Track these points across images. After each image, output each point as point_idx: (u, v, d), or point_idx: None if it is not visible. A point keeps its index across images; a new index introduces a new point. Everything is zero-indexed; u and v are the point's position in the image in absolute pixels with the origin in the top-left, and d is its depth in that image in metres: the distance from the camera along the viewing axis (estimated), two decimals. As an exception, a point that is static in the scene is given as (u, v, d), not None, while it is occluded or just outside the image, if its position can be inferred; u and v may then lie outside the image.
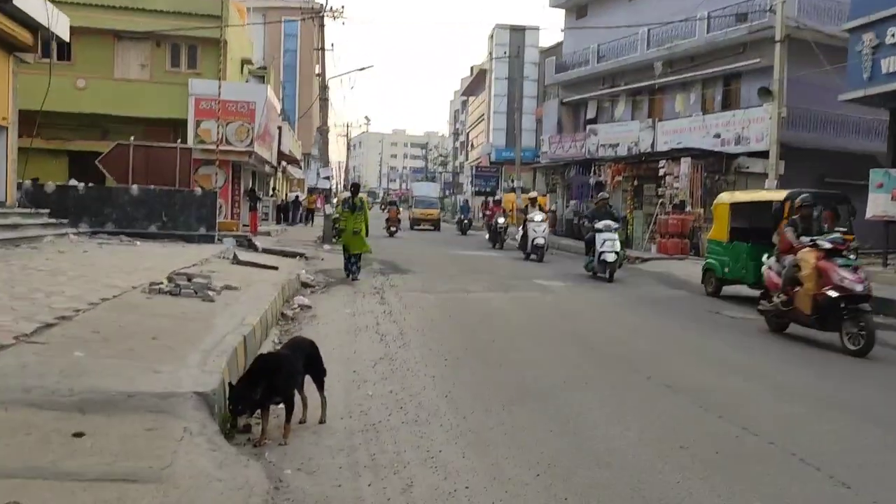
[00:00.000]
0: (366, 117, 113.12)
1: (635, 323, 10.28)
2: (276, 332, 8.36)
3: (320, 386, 5.15)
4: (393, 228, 29.83)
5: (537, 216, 20.42)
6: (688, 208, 22.49)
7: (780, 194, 11.30)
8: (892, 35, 13.03)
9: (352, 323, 9.29)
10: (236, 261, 13.38)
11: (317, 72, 23.66)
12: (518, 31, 58.30)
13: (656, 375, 6.90)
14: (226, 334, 6.11)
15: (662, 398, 6.15)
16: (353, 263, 14.08)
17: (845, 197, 11.88)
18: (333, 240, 24.06)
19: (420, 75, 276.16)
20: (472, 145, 76.01)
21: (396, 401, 5.68)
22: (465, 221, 36.56)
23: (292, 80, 53.84)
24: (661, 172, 23.85)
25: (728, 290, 12.97)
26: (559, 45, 45.71)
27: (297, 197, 38.33)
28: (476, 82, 71.11)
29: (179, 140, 20.71)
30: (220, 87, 20.62)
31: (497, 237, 25.66)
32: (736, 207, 12.14)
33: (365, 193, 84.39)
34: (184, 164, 18.06)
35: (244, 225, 26.10)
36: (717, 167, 23.07)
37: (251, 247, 17.58)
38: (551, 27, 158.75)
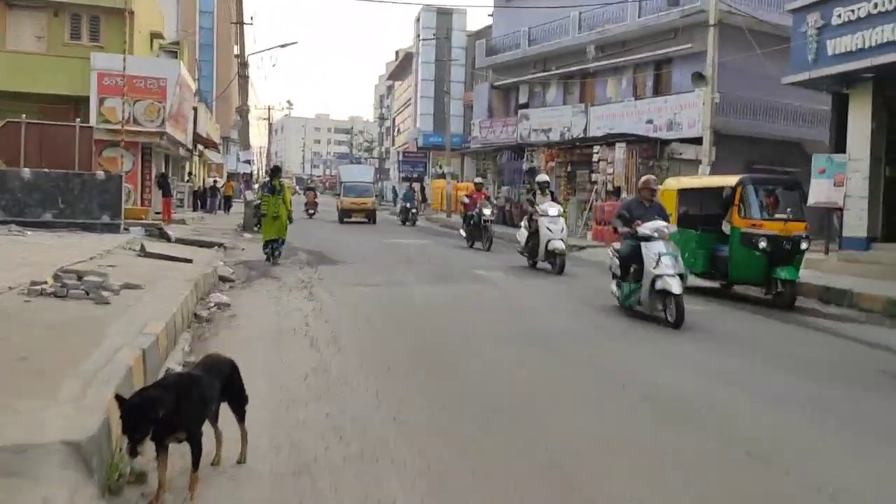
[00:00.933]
0: (288, 101, 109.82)
1: (592, 317, 9.51)
2: (187, 337, 7.15)
3: (241, 417, 4.06)
4: (311, 211, 33.95)
5: (551, 209, 14.70)
6: (623, 195, 22.06)
7: (731, 180, 10.76)
8: (839, 16, 12.67)
9: (277, 324, 8.14)
10: (143, 253, 11.94)
11: (236, 52, 21.97)
12: (445, 14, 57.33)
13: (630, 383, 6.08)
14: (119, 348, 4.92)
15: (645, 414, 5.32)
16: (274, 248, 14.23)
17: (797, 182, 11.47)
18: (255, 228, 22.60)
19: (344, 58, 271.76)
20: (398, 130, 74.75)
21: (335, 428, 4.64)
22: (413, 210, 31.80)
23: (209, 60, 51.06)
24: (596, 158, 23.38)
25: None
26: (487, 28, 45.00)
27: (214, 182, 36.31)
28: (402, 66, 69.79)
29: (79, 119, 18.80)
30: (124, 62, 18.84)
31: (482, 235, 20.03)
32: (683, 194, 11.54)
33: (290, 179, 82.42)
34: (84, 145, 16.31)
35: (156, 213, 24.25)
36: (652, 153, 22.75)
37: (163, 237, 16.03)
38: (479, 10, 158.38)
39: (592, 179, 23.71)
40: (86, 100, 20.42)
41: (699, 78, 21.15)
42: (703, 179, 12.52)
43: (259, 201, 16.14)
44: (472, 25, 57.42)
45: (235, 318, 8.44)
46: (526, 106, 32.10)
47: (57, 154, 15.81)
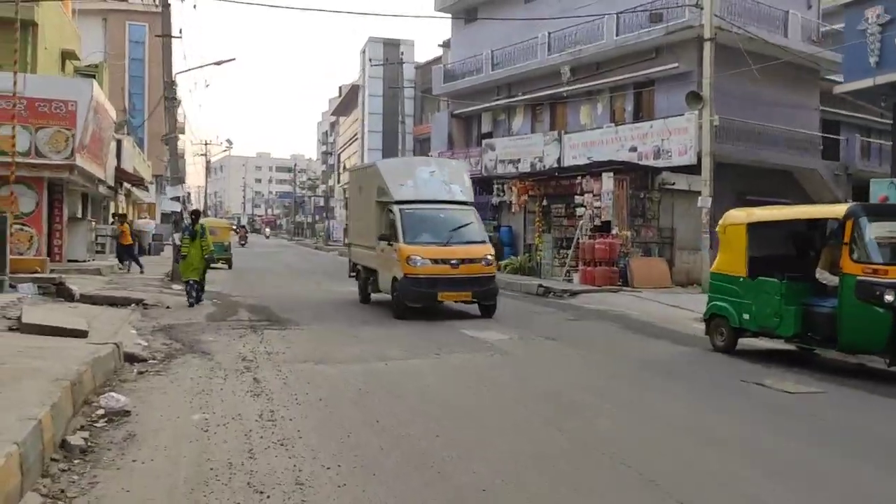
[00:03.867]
0: (228, 140, 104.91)
1: (649, 403, 6.57)
2: (30, 507, 3.91)
3: None
4: (243, 242, 40.68)
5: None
6: (614, 230, 19.45)
7: (836, 210, 8.02)
8: (909, 9, 10.36)
9: (200, 456, 4.95)
10: (16, 324, 8.52)
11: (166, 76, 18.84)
12: (392, 45, 55.00)
13: None
14: None
15: None
16: (195, 290, 14.08)
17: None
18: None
19: (285, 96, 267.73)
20: (343, 167, 71.58)
21: None
22: None
23: (140, 93, 47.35)
24: (579, 189, 20.75)
25: (745, 342, 9.49)
26: (437, 59, 42.57)
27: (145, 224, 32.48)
28: (347, 100, 67.02)
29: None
30: (24, 80, 15.39)
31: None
32: (755, 230, 8.73)
33: (232, 220, 78.46)
34: (-41, 179, 12.74)
35: (70, 260, 20.50)
36: (643, 183, 20.26)
37: (61, 294, 12.53)
38: (426, 41, 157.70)
39: (577, 213, 21.04)
40: (-26, 127, 16.75)
41: (694, 98, 18.86)
42: (786, 210, 9.65)
43: (180, 244, 15.70)
44: (419, 56, 55.13)
45: (131, 443, 5.20)
46: (490, 135, 29.48)
47: (-80, 191, 12.25)
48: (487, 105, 29.39)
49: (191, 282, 14.08)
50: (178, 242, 18.34)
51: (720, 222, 9.33)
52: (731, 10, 21.35)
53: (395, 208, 12.87)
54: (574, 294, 17.36)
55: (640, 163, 21.13)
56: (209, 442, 5.28)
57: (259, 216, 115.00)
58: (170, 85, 17.94)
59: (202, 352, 8.93)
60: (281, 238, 78.48)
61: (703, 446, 5.49)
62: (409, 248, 12.40)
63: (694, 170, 20.41)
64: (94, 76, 21.34)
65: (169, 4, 17.58)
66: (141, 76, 48.01)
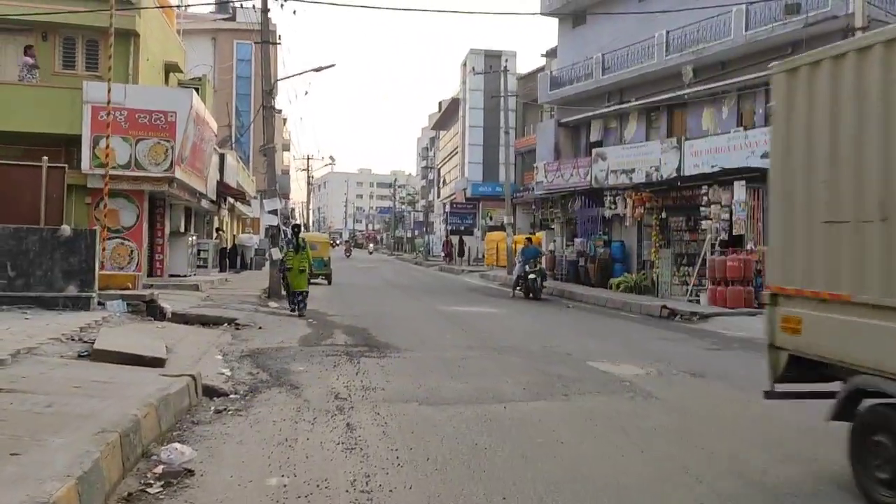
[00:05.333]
0: (331, 156, 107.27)
1: None
2: None
3: None
4: (348, 254, 45.02)
5: None
6: (749, 245, 17.27)
7: None
8: None
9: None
10: (89, 349, 7.60)
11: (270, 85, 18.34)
12: (494, 57, 53.84)
13: None
14: None
15: None
16: (299, 301, 14.93)
17: None
18: (283, 293, 18.39)
19: (385, 113, 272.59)
20: (443, 181, 70.96)
21: None
22: (537, 278, 20.54)
23: (247, 110, 48.23)
24: (705, 201, 18.67)
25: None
26: (538, 70, 40.85)
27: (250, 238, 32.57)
28: (448, 115, 66.39)
29: (66, 162, 14.95)
30: (125, 91, 15.05)
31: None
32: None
33: (338, 234, 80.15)
34: (53, 190, 12.27)
35: (171, 275, 20.24)
36: (781, 192, 17.94)
37: (151, 313, 11.78)
38: (527, 53, 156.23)
39: (701, 227, 18.97)
40: (80, 139, 16.66)
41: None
42: None
43: (283, 257, 16.14)
44: (520, 68, 53.61)
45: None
46: (599, 144, 27.61)
47: (15, 204, 11.82)
48: (598, 112, 27.55)
49: (298, 293, 15.03)
50: (275, 257, 17.65)
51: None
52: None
53: None
54: (705, 317, 15.35)
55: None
56: (285, 525, 3.97)
57: (360, 231, 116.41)
58: (268, 93, 17.27)
59: (290, 385, 7.74)
60: (381, 253, 78.61)
61: None
62: None
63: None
64: (197, 89, 21.10)
65: (268, 9, 16.94)
66: (248, 94, 48.98)
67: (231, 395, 7.23)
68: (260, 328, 12.34)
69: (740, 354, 10.68)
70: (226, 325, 12.30)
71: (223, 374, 8.08)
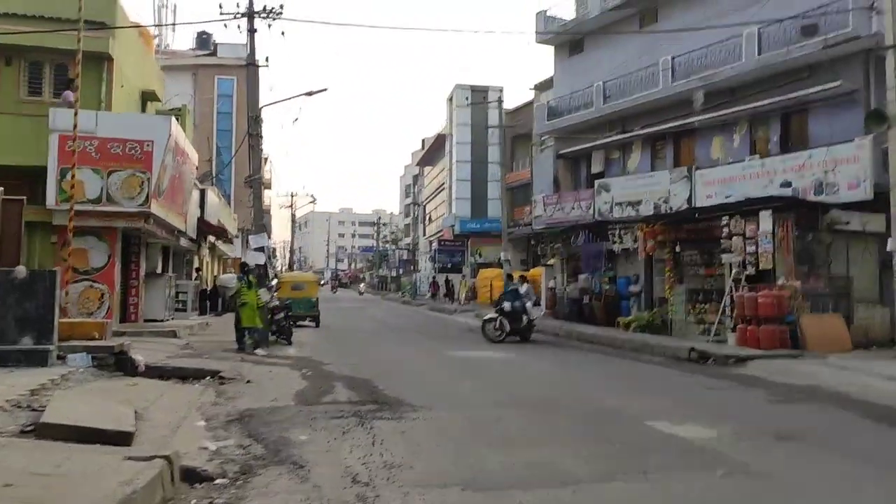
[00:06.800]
0: (311, 196, 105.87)
1: None
2: None
3: None
4: (334, 290, 41.84)
5: None
6: (780, 280, 15.92)
7: None
8: None
9: None
10: (32, 426, 5.94)
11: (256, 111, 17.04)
12: (480, 92, 52.98)
13: None
14: None
15: None
16: (253, 336, 15.18)
17: None
18: (273, 337, 16.76)
19: (367, 153, 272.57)
20: (429, 218, 69.59)
21: None
22: (524, 318, 18.76)
23: (228, 146, 46.75)
24: (725, 233, 17.37)
25: None
26: (529, 104, 39.83)
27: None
28: (433, 150, 65.41)
29: (31, 197, 13.32)
30: (76, 112, 13.48)
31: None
32: None
33: (319, 273, 79.98)
34: (9, 226, 10.64)
35: (146, 320, 18.52)
36: (811, 223, 16.73)
37: (121, 368, 10.10)
38: (513, 88, 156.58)
39: (720, 261, 17.65)
40: (45, 172, 15.07)
41: (877, 118, 15.43)
42: None
43: (237, 293, 16.13)
44: (507, 103, 52.78)
45: None
46: (601, 175, 26.39)
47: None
48: (599, 142, 26.39)
49: (251, 329, 15.27)
50: (266, 300, 16.13)
51: None
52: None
53: None
54: (741, 360, 13.86)
55: (805, 199, 17.63)
56: None
57: (343, 270, 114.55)
58: (254, 120, 15.83)
59: (293, 463, 6.11)
60: (366, 293, 77.02)
61: None
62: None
63: (866, 206, 16.87)
64: (177, 117, 19.61)
65: (255, 29, 15.59)
66: (229, 129, 47.57)
67: (218, 481, 5.59)
68: (248, 382, 10.67)
69: (814, 409, 9.17)
70: (208, 378, 10.65)
71: (207, 448, 6.44)
